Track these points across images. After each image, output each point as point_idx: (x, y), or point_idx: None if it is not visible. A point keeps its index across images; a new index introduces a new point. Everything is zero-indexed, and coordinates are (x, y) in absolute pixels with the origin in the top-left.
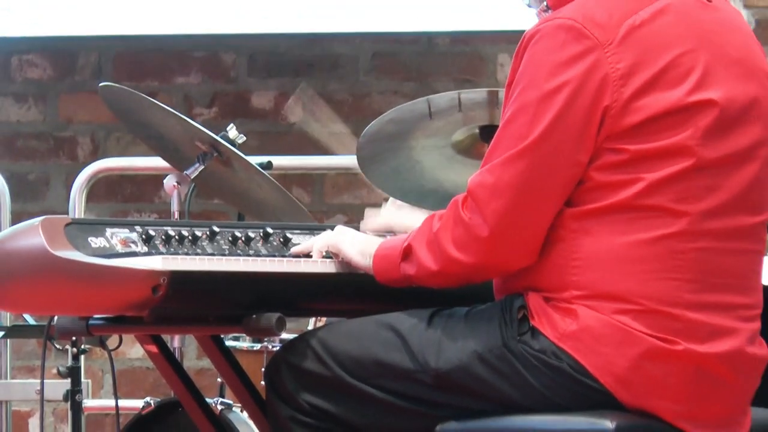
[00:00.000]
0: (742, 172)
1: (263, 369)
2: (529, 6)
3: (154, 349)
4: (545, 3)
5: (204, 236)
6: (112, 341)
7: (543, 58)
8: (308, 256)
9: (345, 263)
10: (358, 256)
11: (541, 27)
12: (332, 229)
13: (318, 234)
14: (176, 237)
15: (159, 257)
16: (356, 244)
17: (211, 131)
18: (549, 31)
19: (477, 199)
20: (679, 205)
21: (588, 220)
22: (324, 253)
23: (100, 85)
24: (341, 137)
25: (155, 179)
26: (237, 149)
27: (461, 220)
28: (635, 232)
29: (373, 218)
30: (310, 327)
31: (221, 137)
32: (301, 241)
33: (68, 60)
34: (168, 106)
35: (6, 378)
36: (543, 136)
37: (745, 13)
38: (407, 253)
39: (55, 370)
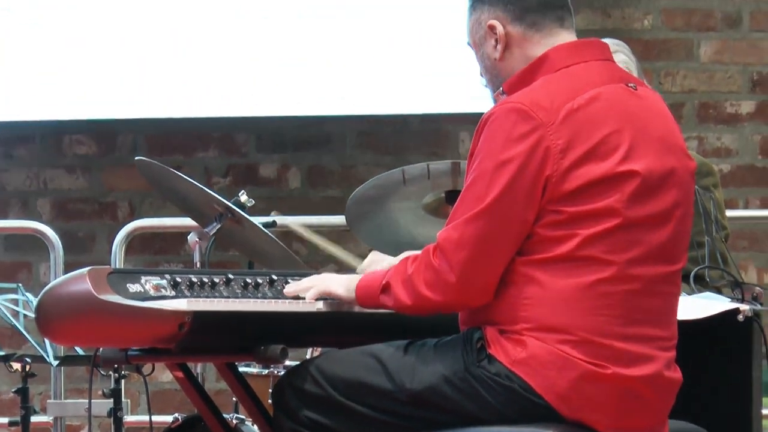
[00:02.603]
0: (661, 230)
1: (270, 390)
2: (486, 86)
3: (180, 374)
4: (501, 88)
5: (221, 282)
6: (147, 368)
7: (497, 135)
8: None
9: (335, 303)
10: (343, 292)
11: (497, 109)
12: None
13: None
14: (198, 283)
15: (184, 300)
16: (342, 283)
17: (226, 197)
18: (502, 112)
19: (444, 251)
20: (608, 256)
21: (535, 267)
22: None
23: (136, 159)
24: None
25: (181, 235)
26: (247, 211)
27: (432, 266)
28: (573, 277)
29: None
30: (308, 356)
31: (234, 202)
32: (286, 288)
33: (109, 139)
34: (191, 175)
35: (61, 398)
36: (497, 199)
37: None
38: (386, 287)
39: (100, 392)
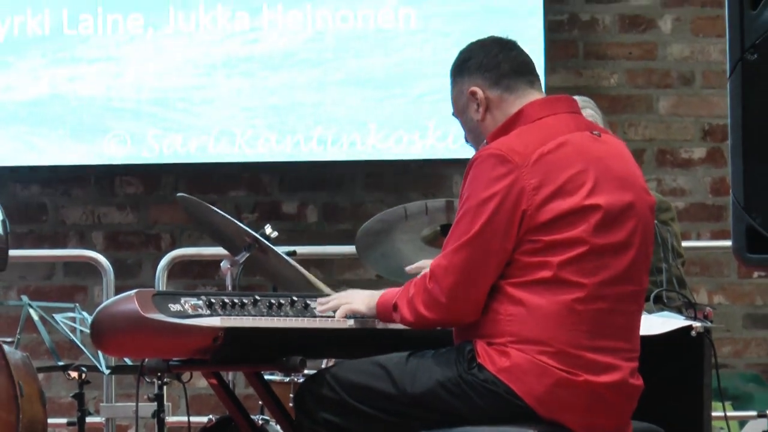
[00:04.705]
0: (624, 255)
1: (291, 395)
2: (473, 147)
3: (214, 381)
4: (485, 141)
5: (249, 302)
6: (186, 376)
7: (479, 177)
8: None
9: (362, 321)
10: (366, 310)
11: (479, 155)
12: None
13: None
14: (230, 303)
15: (218, 318)
16: (364, 301)
17: (253, 230)
18: (483, 158)
19: (435, 276)
20: (579, 278)
21: (518, 289)
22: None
23: (177, 195)
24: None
25: (215, 263)
26: (271, 242)
27: (427, 289)
28: (550, 297)
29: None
30: (323, 366)
31: (260, 234)
32: (317, 306)
33: (154, 180)
34: (223, 212)
35: (112, 401)
36: (479, 231)
37: None
38: (395, 307)
39: (146, 396)
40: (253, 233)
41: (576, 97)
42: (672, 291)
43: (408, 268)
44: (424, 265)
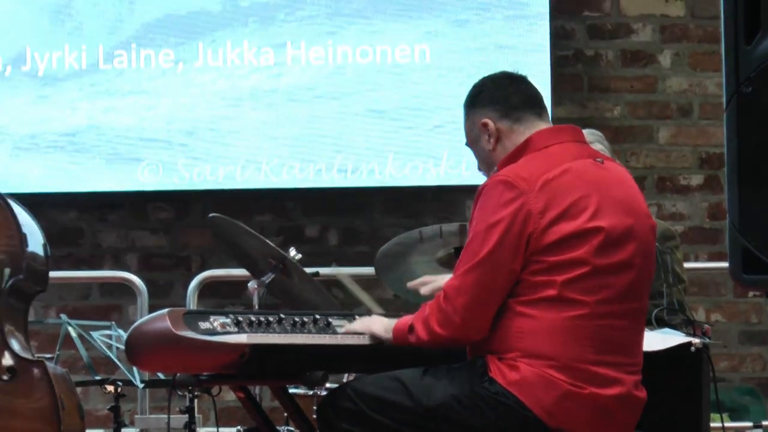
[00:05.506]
0: (625, 275)
1: (314, 407)
2: (485, 176)
3: (242, 394)
4: (496, 169)
5: (274, 321)
6: (215, 389)
7: (488, 202)
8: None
9: (368, 338)
10: (383, 333)
11: (489, 182)
12: (360, 316)
13: (348, 318)
14: (256, 321)
15: (245, 335)
16: (382, 325)
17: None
18: (492, 184)
19: (448, 296)
20: (582, 297)
21: (525, 306)
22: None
23: (210, 215)
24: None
25: (242, 283)
26: (295, 264)
27: (442, 309)
28: (556, 314)
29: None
30: (344, 380)
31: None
32: (339, 324)
33: (184, 206)
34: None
35: (146, 414)
36: (488, 254)
37: None
38: (411, 328)
39: (177, 409)
40: (280, 251)
41: (586, 131)
42: (672, 309)
43: (409, 284)
44: (425, 281)
